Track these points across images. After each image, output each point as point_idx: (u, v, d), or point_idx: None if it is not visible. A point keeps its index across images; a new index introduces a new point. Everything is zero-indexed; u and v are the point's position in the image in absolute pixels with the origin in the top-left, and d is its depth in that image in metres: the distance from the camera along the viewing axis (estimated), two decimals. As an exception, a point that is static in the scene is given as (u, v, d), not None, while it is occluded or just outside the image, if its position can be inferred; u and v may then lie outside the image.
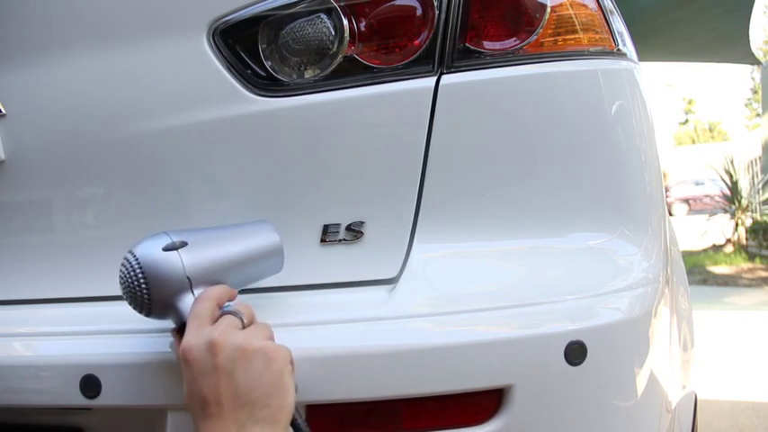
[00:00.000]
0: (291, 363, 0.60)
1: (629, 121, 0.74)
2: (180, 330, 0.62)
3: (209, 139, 0.73)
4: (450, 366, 0.63)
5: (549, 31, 0.71)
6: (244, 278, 0.68)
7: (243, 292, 0.73)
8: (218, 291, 0.62)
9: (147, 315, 0.63)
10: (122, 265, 0.62)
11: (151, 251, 0.62)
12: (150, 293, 0.61)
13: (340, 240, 0.72)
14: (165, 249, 0.62)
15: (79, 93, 0.76)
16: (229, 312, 0.61)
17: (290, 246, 0.72)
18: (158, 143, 0.74)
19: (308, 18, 0.70)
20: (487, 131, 0.71)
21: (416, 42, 0.70)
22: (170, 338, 0.65)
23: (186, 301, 0.62)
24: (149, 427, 0.69)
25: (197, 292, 0.63)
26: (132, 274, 0.61)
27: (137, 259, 0.62)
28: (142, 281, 0.61)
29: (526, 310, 0.65)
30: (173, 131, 0.74)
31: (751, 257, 7.59)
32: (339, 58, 0.70)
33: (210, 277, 0.64)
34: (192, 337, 0.58)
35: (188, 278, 0.62)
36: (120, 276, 0.62)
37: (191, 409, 0.58)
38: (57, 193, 0.80)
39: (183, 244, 0.63)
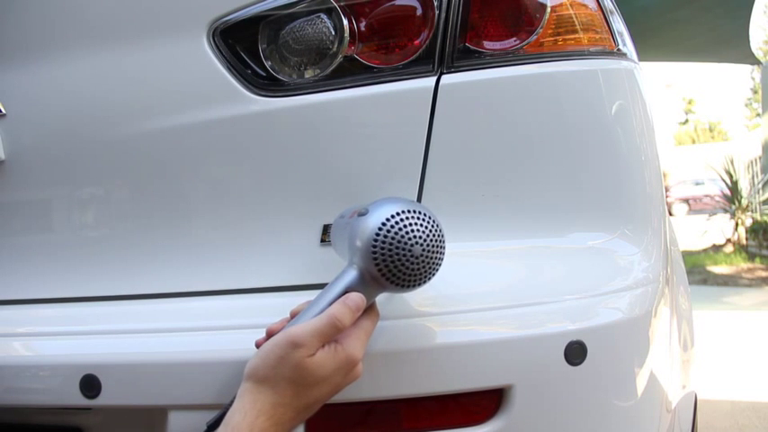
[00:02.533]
0: None
1: (629, 121, 0.74)
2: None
3: (209, 139, 0.73)
4: (449, 366, 0.63)
5: (549, 31, 0.71)
6: None
7: (241, 292, 0.73)
8: None
9: (414, 287, 0.57)
10: (420, 218, 0.55)
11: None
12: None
13: (340, 240, 0.72)
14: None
15: (79, 93, 0.76)
16: None
17: (291, 246, 0.72)
18: (158, 143, 0.74)
19: (308, 18, 0.70)
20: (487, 131, 0.71)
21: (416, 42, 0.70)
22: (169, 340, 0.65)
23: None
24: (149, 427, 0.69)
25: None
26: (438, 234, 0.55)
27: (436, 223, 0.56)
28: (443, 244, 0.56)
29: (526, 310, 0.65)
30: (173, 131, 0.74)
31: (751, 257, 7.59)
32: (339, 58, 0.70)
33: None
34: (362, 349, 0.59)
35: None
36: (417, 233, 0.55)
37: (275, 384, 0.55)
38: (57, 193, 0.80)
39: None
